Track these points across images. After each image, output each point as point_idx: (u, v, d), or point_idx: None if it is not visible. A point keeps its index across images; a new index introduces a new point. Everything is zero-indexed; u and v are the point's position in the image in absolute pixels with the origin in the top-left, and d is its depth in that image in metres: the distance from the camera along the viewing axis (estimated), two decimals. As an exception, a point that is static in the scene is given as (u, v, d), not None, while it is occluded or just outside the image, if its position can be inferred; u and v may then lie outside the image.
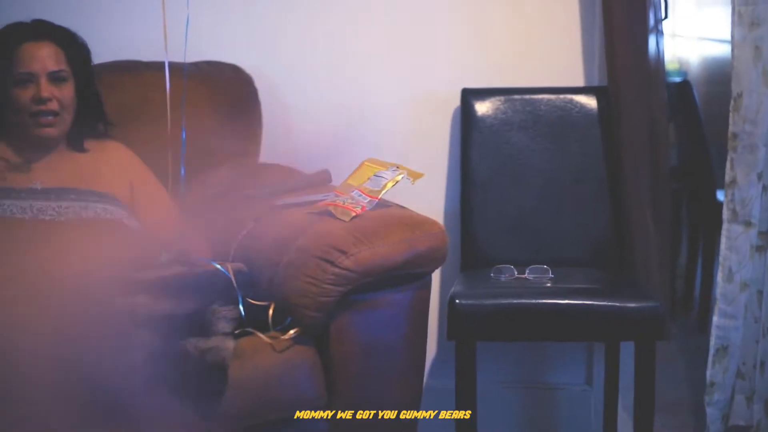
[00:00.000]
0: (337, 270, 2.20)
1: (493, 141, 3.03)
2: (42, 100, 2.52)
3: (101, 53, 2.75)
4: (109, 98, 2.74)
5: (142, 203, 2.67)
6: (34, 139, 2.57)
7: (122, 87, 2.82)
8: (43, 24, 2.62)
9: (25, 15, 2.63)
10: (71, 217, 2.48)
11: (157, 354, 2.06)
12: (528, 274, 2.73)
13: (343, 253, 2.21)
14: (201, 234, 2.65)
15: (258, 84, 2.97)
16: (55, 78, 2.55)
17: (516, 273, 2.74)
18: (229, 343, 2.13)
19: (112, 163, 2.67)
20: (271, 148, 3.02)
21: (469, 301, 2.57)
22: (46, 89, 2.53)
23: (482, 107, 3.06)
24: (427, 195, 3.13)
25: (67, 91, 2.57)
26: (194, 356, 2.08)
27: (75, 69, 2.61)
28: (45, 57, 2.55)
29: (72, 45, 2.62)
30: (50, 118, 2.55)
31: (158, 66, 2.86)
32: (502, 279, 2.73)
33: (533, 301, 2.58)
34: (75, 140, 2.65)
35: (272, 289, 2.25)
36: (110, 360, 2.01)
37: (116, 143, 2.73)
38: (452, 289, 2.67)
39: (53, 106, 2.54)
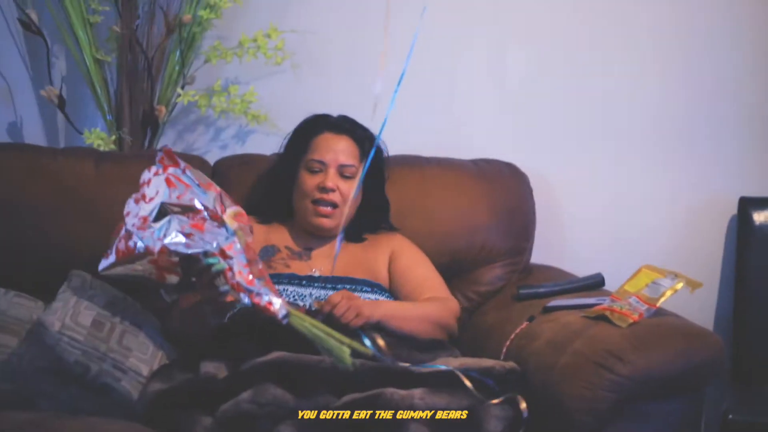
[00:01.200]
0: (613, 377, 2.16)
1: (772, 251, 2.95)
2: (326, 190, 2.61)
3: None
4: (389, 190, 2.81)
5: (405, 263, 2.70)
6: (311, 226, 2.66)
7: (403, 180, 2.87)
8: (347, 120, 2.73)
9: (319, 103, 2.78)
10: None
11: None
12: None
13: (620, 360, 2.17)
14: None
15: (533, 184, 2.98)
16: (344, 172, 2.64)
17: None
18: (500, 443, 2.13)
19: (383, 248, 2.73)
20: (544, 249, 3.03)
21: (744, 417, 2.48)
22: (333, 180, 2.62)
23: (760, 216, 2.98)
24: (697, 303, 3.05)
25: (351, 186, 2.63)
26: (468, 453, 2.09)
27: (370, 175, 2.62)
28: (339, 150, 2.65)
29: (367, 143, 2.69)
30: (329, 208, 2.63)
31: (437, 161, 2.94)
32: (779, 396, 2.62)
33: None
34: (354, 235, 2.72)
35: (546, 391, 2.23)
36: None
37: (399, 236, 2.79)
38: (724, 404, 2.58)
39: (335, 197, 2.62)
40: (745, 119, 3.15)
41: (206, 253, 2.17)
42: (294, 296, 2.52)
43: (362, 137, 2.70)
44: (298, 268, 2.63)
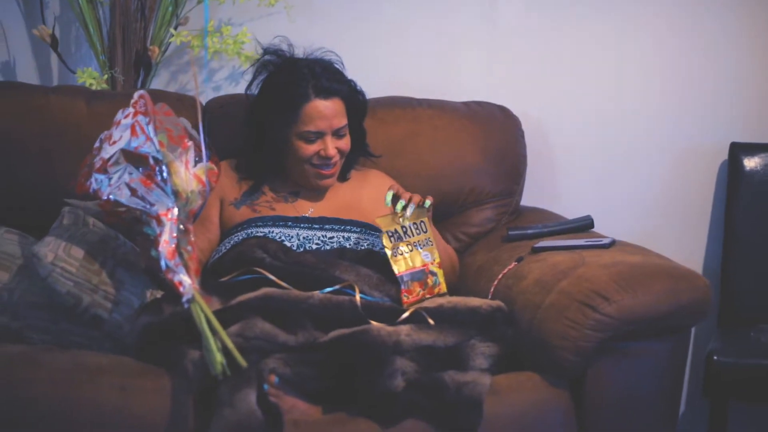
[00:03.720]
0: (598, 316, 2.18)
1: (762, 197, 2.95)
2: (328, 158, 2.62)
3: (377, 87, 2.86)
4: (380, 131, 2.83)
5: None
6: (312, 186, 2.67)
7: (394, 121, 2.88)
8: (328, 76, 2.64)
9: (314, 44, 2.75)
10: (335, 246, 2.55)
11: (417, 383, 2.10)
12: (792, 336, 2.64)
13: (606, 299, 2.19)
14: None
15: (525, 127, 2.98)
16: (339, 132, 2.64)
17: (779, 333, 2.65)
18: (486, 379, 2.15)
19: (371, 190, 2.74)
20: (535, 191, 3.04)
21: (729, 359, 2.50)
22: (332, 146, 2.61)
23: (751, 162, 2.99)
24: (687, 247, 3.09)
25: (346, 141, 2.66)
26: (451, 389, 2.10)
27: (352, 119, 2.69)
28: (332, 116, 2.62)
29: (354, 99, 2.69)
30: (330, 169, 2.64)
31: (429, 103, 2.94)
32: (763, 339, 2.64)
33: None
34: (340, 175, 2.73)
35: (532, 329, 2.25)
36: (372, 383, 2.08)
37: (378, 172, 2.81)
38: (710, 346, 2.61)
39: (335, 159, 2.64)
40: (739, 65, 3.15)
41: (145, 213, 2.15)
42: (281, 237, 2.54)
43: (347, 92, 2.67)
44: (284, 210, 2.65)
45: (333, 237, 2.57)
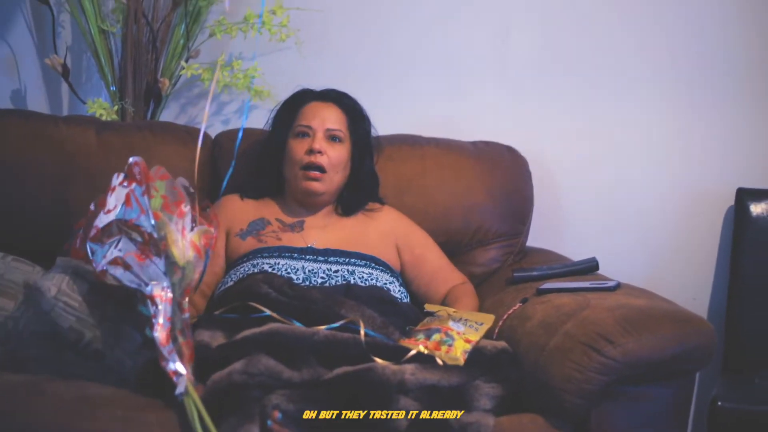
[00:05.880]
0: (603, 359, 2.17)
1: (768, 243, 2.96)
2: (313, 152, 2.64)
3: (385, 125, 2.87)
4: (388, 168, 2.84)
5: (416, 253, 2.74)
6: (301, 193, 2.68)
7: (402, 159, 2.90)
8: (332, 90, 2.77)
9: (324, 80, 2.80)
10: (340, 281, 2.55)
11: (420, 422, 2.08)
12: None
13: (611, 342, 2.18)
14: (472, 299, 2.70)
15: (532, 167, 2.99)
16: (331, 136, 2.67)
17: (785, 380, 2.64)
18: (490, 420, 2.13)
19: (379, 224, 2.75)
20: (540, 232, 3.04)
21: (733, 405, 2.49)
22: (320, 143, 2.65)
23: (758, 208, 3.00)
24: (692, 292, 3.08)
25: (339, 152, 2.68)
26: (455, 429, 2.09)
27: (353, 136, 2.72)
28: (326, 116, 2.69)
29: (354, 113, 2.74)
30: (317, 172, 2.65)
31: (436, 142, 2.95)
32: (768, 385, 2.64)
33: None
34: (346, 209, 2.75)
35: (536, 371, 2.25)
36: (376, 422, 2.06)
37: (388, 207, 2.81)
38: (714, 391, 2.60)
39: (323, 160, 2.65)
40: (745, 110, 3.15)
41: (139, 294, 2.12)
42: (286, 269, 2.54)
43: (349, 106, 2.75)
44: (291, 240, 2.66)
45: (338, 270, 2.57)
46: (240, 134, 2.87)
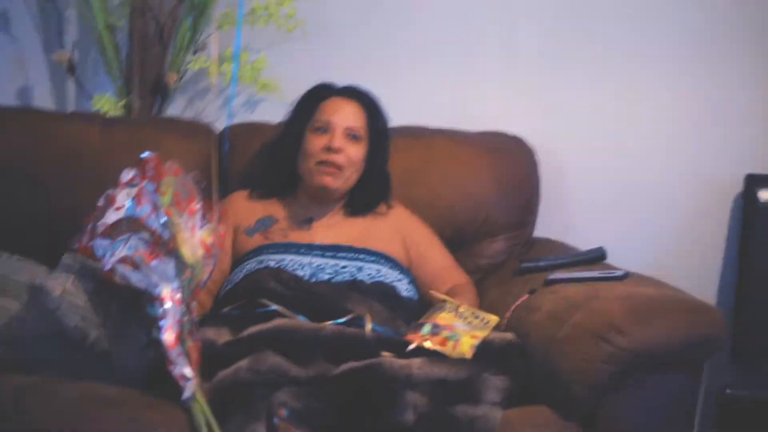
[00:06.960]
0: (612, 349, 2.17)
1: (779, 230, 2.95)
2: (332, 150, 2.62)
3: (392, 116, 2.84)
4: (394, 159, 2.81)
5: (420, 251, 2.73)
6: (315, 187, 2.66)
7: (408, 150, 2.88)
8: (354, 87, 2.75)
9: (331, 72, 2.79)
10: (348, 278, 2.55)
11: (428, 417, 2.09)
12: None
13: (620, 332, 2.17)
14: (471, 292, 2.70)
15: (540, 157, 2.98)
16: (351, 134, 2.65)
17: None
18: (498, 413, 2.13)
19: (388, 220, 2.74)
20: (548, 222, 3.04)
21: (742, 393, 2.49)
22: (339, 140, 2.63)
23: (766, 194, 2.99)
24: (701, 280, 3.08)
25: (356, 151, 2.66)
26: (463, 423, 2.09)
27: (372, 135, 2.70)
28: (347, 113, 2.67)
29: (375, 112, 2.72)
30: (333, 168, 2.64)
31: (443, 133, 2.95)
32: (779, 374, 2.64)
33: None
34: (356, 208, 2.73)
35: (545, 362, 2.25)
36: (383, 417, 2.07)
37: (396, 205, 2.80)
38: (723, 379, 2.60)
39: (340, 159, 2.63)
40: (753, 93, 3.15)
41: (147, 295, 2.10)
42: (293, 264, 2.53)
43: (370, 104, 2.72)
44: (298, 237, 2.65)
45: (346, 266, 2.57)
46: (228, 120, 2.85)
